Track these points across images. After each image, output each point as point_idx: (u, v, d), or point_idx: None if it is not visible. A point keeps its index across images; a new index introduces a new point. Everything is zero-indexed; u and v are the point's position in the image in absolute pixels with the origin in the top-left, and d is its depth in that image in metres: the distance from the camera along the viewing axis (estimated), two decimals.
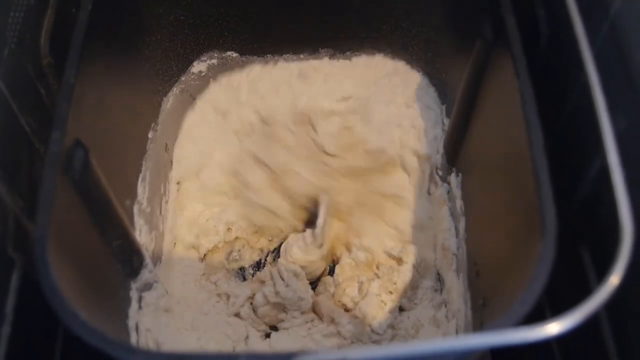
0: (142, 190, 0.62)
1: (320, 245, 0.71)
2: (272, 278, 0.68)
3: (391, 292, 0.68)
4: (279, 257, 0.73)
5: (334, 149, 0.73)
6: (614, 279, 0.36)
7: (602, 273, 0.36)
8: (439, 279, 0.67)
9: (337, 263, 0.73)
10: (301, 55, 0.75)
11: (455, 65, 0.65)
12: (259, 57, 0.75)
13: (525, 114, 0.43)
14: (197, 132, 0.75)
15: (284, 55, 0.75)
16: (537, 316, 0.36)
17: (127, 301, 0.56)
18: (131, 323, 0.55)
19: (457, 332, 0.58)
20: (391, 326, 0.64)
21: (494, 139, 0.54)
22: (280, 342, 0.65)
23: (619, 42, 0.45)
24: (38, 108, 0.56)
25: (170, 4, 0.66)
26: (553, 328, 0.35)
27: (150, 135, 0.66)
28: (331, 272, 0.74)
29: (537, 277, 0.37)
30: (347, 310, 0.68)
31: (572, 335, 0.35)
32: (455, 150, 0.64)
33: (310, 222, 0.75)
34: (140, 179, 0.62)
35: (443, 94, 0.71)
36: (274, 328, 0.68)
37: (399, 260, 0.70)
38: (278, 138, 0.74)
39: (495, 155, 0.53)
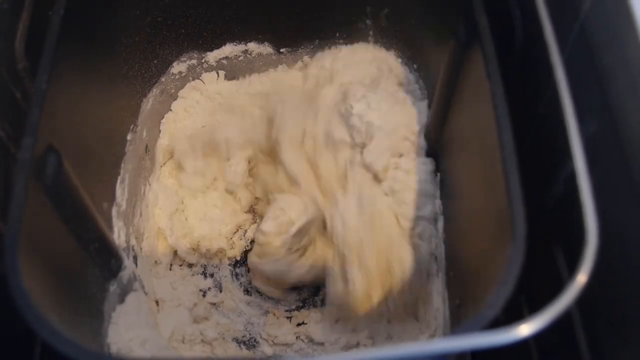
0: (121, 193, 0.62)
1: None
2: None
3: None
4: None
5: None
6: (580, 280, 0.36)
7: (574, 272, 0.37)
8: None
9: None
10: (281, 55, 0.75)
11: (433, 64, 0.65)
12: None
13: (496, 116, 0.43)
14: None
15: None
16: (515, 314, 0.37)
17: (106, 304, 0.56)
18: (110, 326, 0.55)
19: (435, 332, 0.59)
20: None
21: (468, 140, 0.54)
22: None
23: (588, 45, 0.45)
24: (13, 112, 0.55)
25: (147, 5, 0.66)
26: (524, 330, 0.35)
27: (129, 137, 0.65)
28: None
29: (506, 282, 0.37)
30: None
31: (545, 331, 0.35)
32: (434, 149, 0.64)
33: None
34: (119, 181, 0.62)
35: (423, 92, 0.71)
36: None
37: None
38: None
39: (469, 157, 0.54)
